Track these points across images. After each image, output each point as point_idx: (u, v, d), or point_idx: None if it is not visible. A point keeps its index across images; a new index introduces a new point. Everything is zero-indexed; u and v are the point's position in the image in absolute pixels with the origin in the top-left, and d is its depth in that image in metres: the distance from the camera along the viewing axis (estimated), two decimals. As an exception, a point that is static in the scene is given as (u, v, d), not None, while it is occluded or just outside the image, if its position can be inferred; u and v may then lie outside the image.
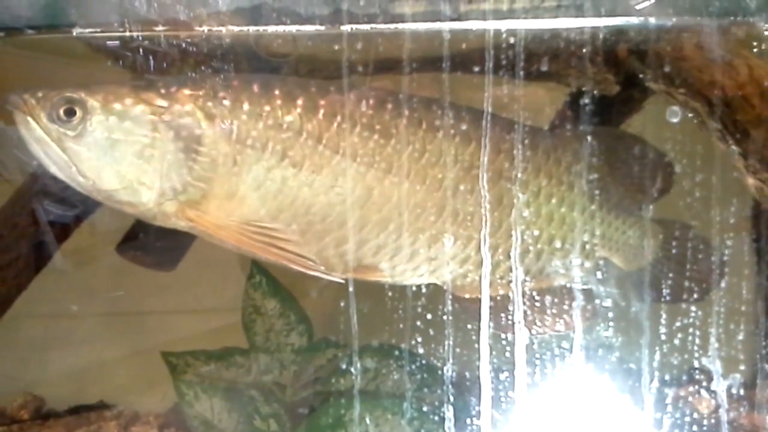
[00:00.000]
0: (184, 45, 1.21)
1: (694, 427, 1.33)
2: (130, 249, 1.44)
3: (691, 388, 1.47)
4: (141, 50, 1.22)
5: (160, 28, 1.16)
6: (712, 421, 1.45)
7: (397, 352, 1.51)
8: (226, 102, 1.00)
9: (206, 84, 1.02)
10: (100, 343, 1.87)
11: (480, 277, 1.09)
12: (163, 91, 1.01)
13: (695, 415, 1.44)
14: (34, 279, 1.48)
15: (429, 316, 1.18)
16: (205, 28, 1.12)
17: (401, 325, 1.31)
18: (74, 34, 1.12)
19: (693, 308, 1.15)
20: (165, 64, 1.25)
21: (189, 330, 1.85)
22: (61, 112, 0.97)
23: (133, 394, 1.85)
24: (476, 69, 1.13)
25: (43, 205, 1.37)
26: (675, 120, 0.99)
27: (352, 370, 1.50)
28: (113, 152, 0.98)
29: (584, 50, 1.05)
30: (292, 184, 1.01)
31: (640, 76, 1.07)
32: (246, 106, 1.00)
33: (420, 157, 1.04)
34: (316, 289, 1.58)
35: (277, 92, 1.02)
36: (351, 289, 1.06)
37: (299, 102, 1.02)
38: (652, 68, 1.05)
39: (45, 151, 0.99)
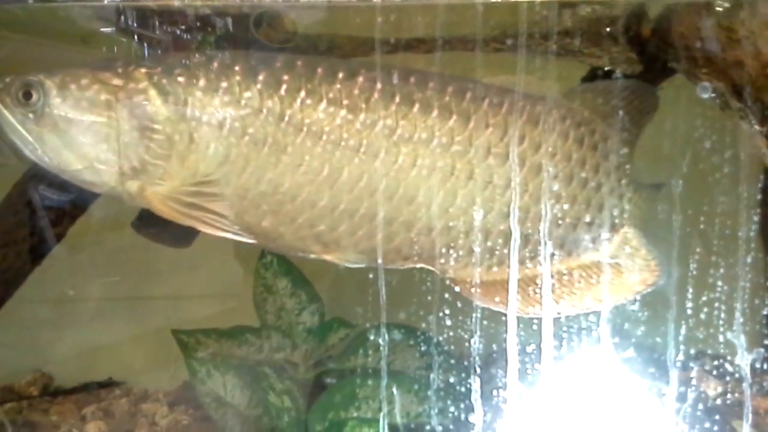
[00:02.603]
0: (178, 32, 1.21)
1: (701, 408, 1.33)
2: (146, 226, 1.44)
3: (698, 371, 1.48)
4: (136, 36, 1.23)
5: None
6: (720, 402, 1.47)
7: (407, 332, 1.51)
8: (181, 79, 1.00)
9: (166, 62, 1.02)
10: (107, 326, 1.87)
11: (477, 264, 1.07)
12: (120, 70, 1.01)
13: (703, 397, 1.46)
14: (41, 264, 1.48)
15: (440, 296, 1.18)
16: None
17: (413, 306, 1.31)
18: (105, 2, 1.11)
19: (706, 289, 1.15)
20: (159, 51, 1.25)
21: (196, 313, 1.85)
22: (21, 95, 0.99)
23: (141, 373, 1.86)
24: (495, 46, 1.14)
25: (49, 188, 1.38)
26: (705, 96, 0.99)
27: (364, 348, 1.51)
28: (72, 133, 0.99)
29: (608, 28, 1.05)
30: (255, 163, 0.99)
31: (663, 55, 1.07)
32: (202, 83, 0.99)
33: (392, 133, 1.00)
34: (328, 271, 1.59)
35: (237, 68, 1.00)
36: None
37: (260, 78, 0.99)
38: (675, 48, 1.05)
39: (14, 134, 1.01)
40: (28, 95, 0.99)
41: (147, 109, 0.99)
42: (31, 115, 0.99)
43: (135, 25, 1.26)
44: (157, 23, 1.25)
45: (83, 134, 0.99)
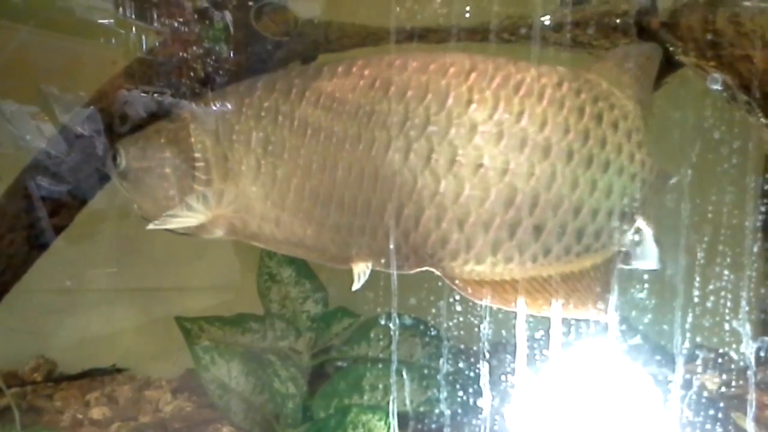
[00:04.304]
0: (176, 24, 1.22)
1: (702, 402, 1.35)
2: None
3: (697, 364, 1.50)
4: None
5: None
6: (719, 396, 1.48)
7: (409, 322, 1.53)
8: (215, 106, 1.05)
9: (208, 96, 1.08)
10: (110, 315, 1.88)
11: (481, 268, 0.97)
12: (173, 115, 1.10)
13: (704, 391, 1.47)
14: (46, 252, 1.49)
15: (444, 289, 1.18)
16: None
17: (417, 298, 1.32)
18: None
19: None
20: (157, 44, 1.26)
21: (198, 303, 1.86)
22: (113, 161, 1.09)
23: (143, 361, 1.87)
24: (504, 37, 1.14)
25: (53, 177, 1.38)
26: (715, 87, 1.00)
27: (368, 338, 1.53)
28: (145, 181, 1.07)
29: (617, 20, 1.06)
30: (282, 171, 1.00)
31: (671, 48, 1.08)
32: (229, 105, 1.03)
33: (383, 126, 0.95)
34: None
35: (259, 84, 1.03)
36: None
37: (277, 86, 1.02)
38: (683, 41, 1.06)
39: (124, 196, 1.12)
40: (116, 160, 1.08)
41: (188, 141, 1.04)
42: (121, 175, 1.09)
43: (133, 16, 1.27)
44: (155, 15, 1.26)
45: (152, 180, 1.06)
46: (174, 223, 1.06)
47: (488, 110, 0.93)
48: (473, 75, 0.94)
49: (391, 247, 0.99)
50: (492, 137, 0.92)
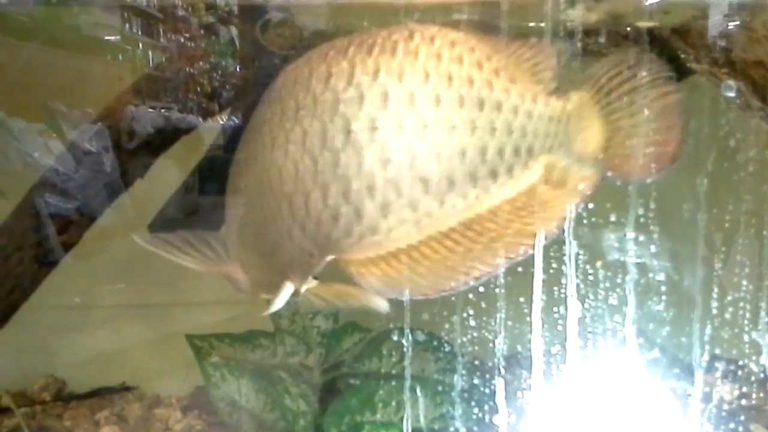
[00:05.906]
0: (183, 40, 1.22)
1: (721, 413, 1.33)
2: (162, 228, 1.45)
3: (715, 374, 1.48)
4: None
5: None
6: (735, 406, 1.46)
7: (422, 337, 1.51)
8: None
9: None
10: (119, 332, 1.87)
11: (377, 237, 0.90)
12: None
13: (721, 402, 1.45)
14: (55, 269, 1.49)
15: (457, 304, 1.17)
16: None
17: (429, 313, 1.31)
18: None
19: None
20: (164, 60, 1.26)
21: (208, 319, 1.85)
22: None
23: (153, 379, 1.86)
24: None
25: (62, 195, 1.38)
26: (729, 94, 0.98)
27: (379, 353, 1.51)
28: None
29: (628, 28, 1.05)
30: (230, 210, 1.02)
31: (683, 55, 1.07)
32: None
33: (269, 132, 0.95)
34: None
35: None
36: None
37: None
38: (695, 48, 1.05)
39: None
40: None
41: None
42: None
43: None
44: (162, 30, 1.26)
45: None
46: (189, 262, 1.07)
47: (346, 77, 0.91)
48: (331, 53, 0.94)
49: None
50: (354, 101, 0.90)
